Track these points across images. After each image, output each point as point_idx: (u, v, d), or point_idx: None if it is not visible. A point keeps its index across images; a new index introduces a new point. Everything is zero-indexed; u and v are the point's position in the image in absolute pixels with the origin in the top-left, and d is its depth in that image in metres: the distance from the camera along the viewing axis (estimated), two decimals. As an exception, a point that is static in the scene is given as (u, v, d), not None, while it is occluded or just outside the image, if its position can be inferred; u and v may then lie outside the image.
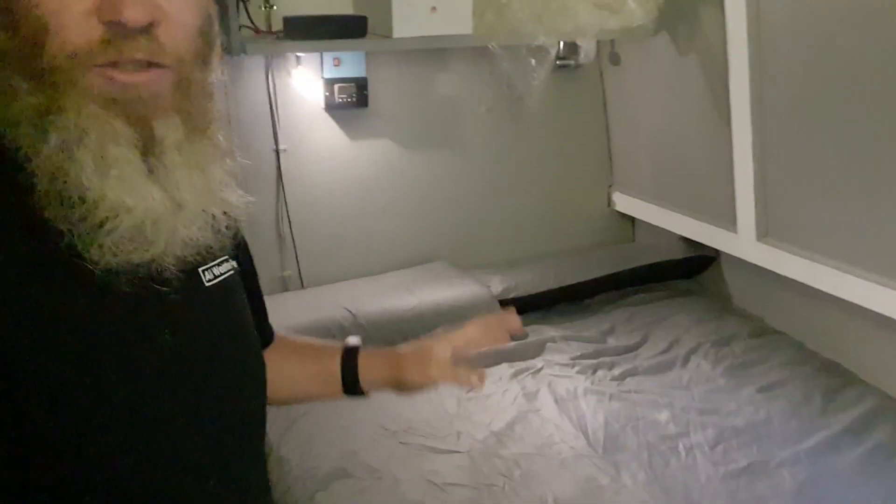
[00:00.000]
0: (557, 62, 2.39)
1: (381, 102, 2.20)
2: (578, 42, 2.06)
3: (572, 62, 2.35)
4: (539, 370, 1.80)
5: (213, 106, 0.63)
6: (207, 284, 0.65)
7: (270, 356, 0.80)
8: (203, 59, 0.60)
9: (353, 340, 0.93)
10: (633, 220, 2.66)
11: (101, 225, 0.55)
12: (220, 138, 0.63)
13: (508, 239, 2.43)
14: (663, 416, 1.60)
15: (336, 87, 2.10)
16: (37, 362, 0.53)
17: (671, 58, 2.13)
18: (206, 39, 0.61)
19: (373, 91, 2.16)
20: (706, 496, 1.36)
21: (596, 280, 2.15)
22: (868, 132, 1.58)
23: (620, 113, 2.52)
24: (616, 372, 1.78)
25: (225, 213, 0.63)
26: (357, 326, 1.87)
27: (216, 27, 0.63)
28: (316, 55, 2.07)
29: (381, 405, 1.66)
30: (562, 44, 2.34)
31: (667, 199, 2.35)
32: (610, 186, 2.64)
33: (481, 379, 0.94)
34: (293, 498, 1.45)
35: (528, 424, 1.60)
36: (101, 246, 0.55)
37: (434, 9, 1.86)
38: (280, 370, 0.84)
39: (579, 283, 2.13)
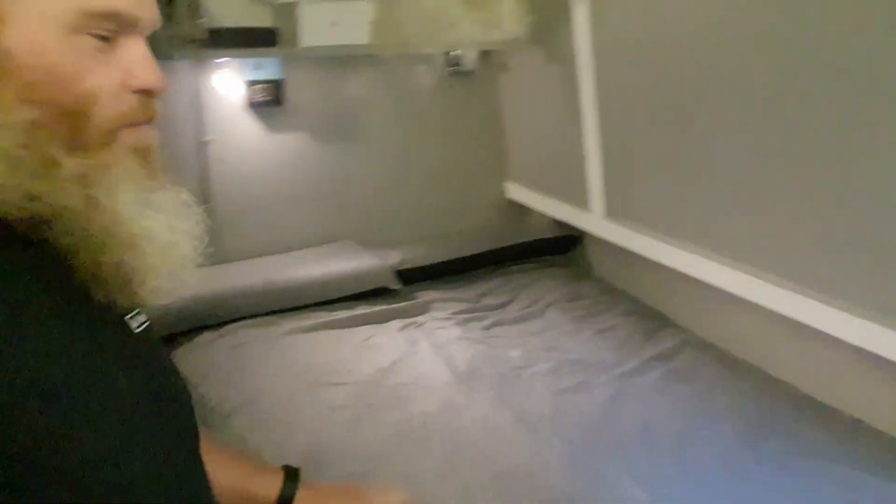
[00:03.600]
0: (452, 69, 2.79)
1: (296, 101, 2.55)
2: (462, 52, 2.45)
3: (463, 69, 2.75)
4: (423, 324, 2.17)
5: None
6: (137, 331, 0.67)
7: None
8: None
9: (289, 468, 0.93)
10: (524, 207, 3.06)
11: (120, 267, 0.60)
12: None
13: (412, 224, 2.76)
14: (515, 353, 1.99)
15: (256, 87, 2.45)
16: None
17: (542, 65, 2.54)
18: None
19: (288, 91, 2.51)
20: (536, 406, 1.74)
21: (479, 254, 2.54)
22: (689, 125, 1.92)
23: (511, 113, 2.91)
24: (485, 323, 2.17)
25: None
26: (271, 291, 2.21)
27: None
28: (238, 59, 2.41)
29: (287, 353, 2.01)
30: (454, 54, 2.73)
31: (544, 187, 2.76)
32: (504, 177, 3.04)
33: None
34: (210, 424, 1.78)
35: (407, 363, 1.96)
36: (111, 289, 0.61)
37: (335, 23, 2.23)
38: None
39: (464, 257, 2.51)
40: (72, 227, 0.58)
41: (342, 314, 2.22)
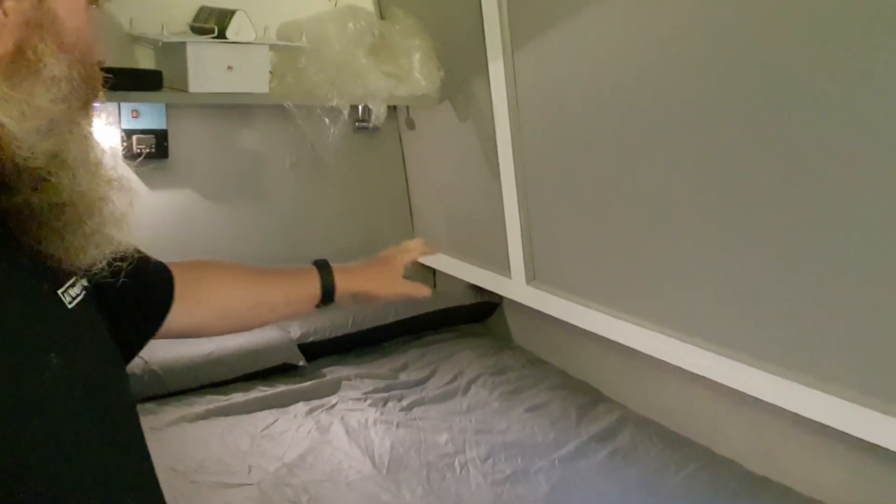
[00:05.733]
0: (357, 124, 2.60)
1: (183, 154, 2.26)
2: (370, 106, 2.27)
3: (369, 125, 2.57)
4: (333, 405, 1.90)
5: None
6: (70, 307, 0.64)
7: (232, 283, 0.96)
8: None
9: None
10: (433, 271, 2.88)
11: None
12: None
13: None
14: (443, 438, 1.77)
15: (135, 137, 2.13)
16: None
17: (454, 123, 2.41)
18: None
19: (173, 143, 2.21)
20: (474, 500, 1.52)
21: (392, 324, 2.31)
22: (615, 184, 1.85)
23: (417, 172, 2.76)
24: (405, 403, 1.93)
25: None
26: (150, 374, 1.86)
27: None
28: (114, 106, 2.10)
29: (171, 448, 1.67)
30: (361, 107, 2.55)
31: (457, 250, 2.60)
32: (411, 239, 2.85)
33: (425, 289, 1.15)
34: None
35: (319, 454, 1.68)
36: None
37: (230, 67, 1.98)
38: (255, 298, 0.97)
39: (376, 327, 2.27)
40: (68, 185, 0.58)
41: (237, 398, 1.90)
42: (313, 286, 1.02)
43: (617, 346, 1.98)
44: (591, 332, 2.06)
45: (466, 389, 2.02)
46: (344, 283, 1.04)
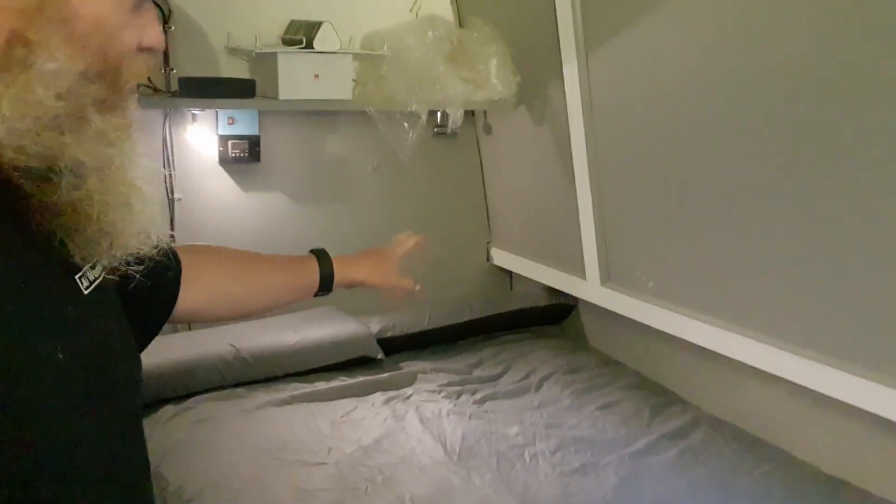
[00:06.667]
0: (436, 129, 2.69)
1: (273, 158, 2.41)
2: (448, 111, 2.35)
3: (447, 130, 2.65)
4: (409, 396, 1.98)
5: None
6: (86, 293, 0.62)
7: (227, 268, 0.97)
8: None
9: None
10: (510, 273, 2.92)
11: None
12: None
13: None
14: (513, 430, 1.81)
15: (230, 142, 2.30)
16: None
17: (529, 127, 2.46)
18: None
19: (265, 148, 2.37)
20: (542, 489, 1.55)
21: (466, 323, 2.37)
22: (690, 185, 1.84)
23: (494, 175, 2.82)
24: (478, 396, 1.99)
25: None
26: (241, 361, 2.00)
27: None
28: (211, 114, 2.27)
29: (259, 429, 1.79)
30: (439, 113, 2.64)
31: (533, 253, 2.63)
32: (489, 242, 2.91)
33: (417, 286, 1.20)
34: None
35: (394, 440, 1.76)
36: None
37: (317, 76, 2.11)
38: (255, 284, 1.00)
39: (450, 325, 2.34)
40: (81, 184, 0.57)
41: (320, 386, 2.01)
42: (312, 274, 1.05)
43: (692, 347, 1.97)
44: (666, 333, 2.04)
45: (539, 386, 2.05)
46: (342, 273, 1.07)
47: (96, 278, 0.64)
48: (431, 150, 2.68)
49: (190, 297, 0.91)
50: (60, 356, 0.57)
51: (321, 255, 1.07)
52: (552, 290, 2.57)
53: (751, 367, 1.81)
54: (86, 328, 0.63)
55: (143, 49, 0.62)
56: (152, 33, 0.63)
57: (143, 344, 0.81)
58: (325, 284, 1.07)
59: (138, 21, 0.61)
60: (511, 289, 2.93)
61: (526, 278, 2.71)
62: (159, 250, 0.70)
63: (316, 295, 1.08)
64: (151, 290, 0.76)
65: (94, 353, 0.63)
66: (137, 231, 0.62)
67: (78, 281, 0.62)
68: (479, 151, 2.83)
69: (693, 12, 1.67)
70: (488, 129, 2.74)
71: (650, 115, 1.92)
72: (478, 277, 2.87)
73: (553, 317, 2.58)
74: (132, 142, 0.60)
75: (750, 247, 1.72)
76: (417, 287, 1.21)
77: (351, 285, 1.11)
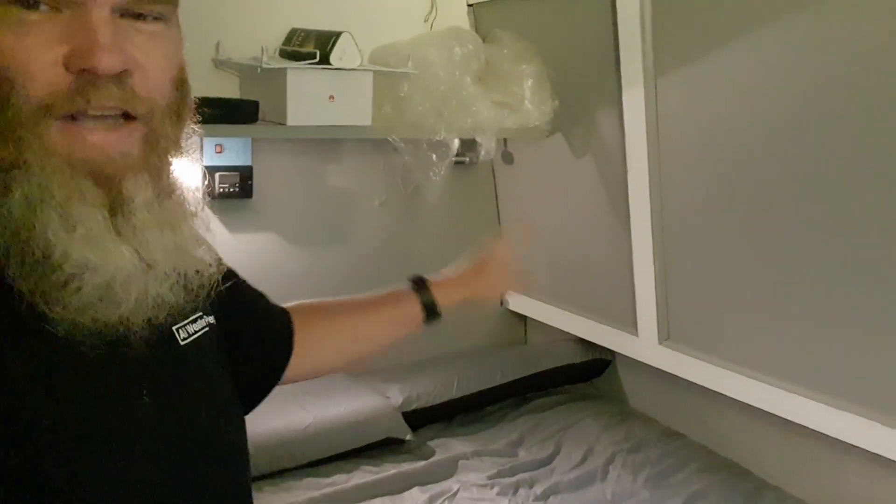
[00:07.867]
0: (455, 159, 2.34)
1: (268, 193, 2.01)
2: (478, 139, 2.01)
3: (467, 159, 2.31)
4: (455, 493, 1.62)
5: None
6: (182, 344, 0.63)
7: (327, 326, 0.91)
8: (176, 113, 0.58)
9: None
10: (525, 318, 2.60)
11: (66, 284, 0.51)
12: (188, 195, 0.62)
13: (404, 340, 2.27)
14: (594, 540, 1.47)
15: (218, 175, 1.89)
16: (5, 436, 0.49)
17: (565, 158, 2.14)
18: (180, 92, 0.59)
19: (258, 181, 1.97)
20: None
21: (499, 387, 2.03)
22: (768, 237, 1.63)
23: (512, 210, 2.49)
24: (538, 490, 1.64)
25: (198, 271, 0.60)
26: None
27: (188, 79, 0.60)
28: (195, 141, 1.86)
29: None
30: (457, 141, 2.29)
31: (562, 300, 2.31)
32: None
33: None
34: None
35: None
36: (65, 307, 0.51)
37: (332, 97, 1.74)
38: (358, 334, 0.95)
39: (481, 391, 1.99)
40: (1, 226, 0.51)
41: (339, 480, 1.62)
42: (412, 307, 0.98)
43: (774, 419, 1.70)
44: (739, 402, 1.77)
45: (605, 473, 1.72)
46: (445, 296, 1.00)
47: (197, 331, 0.65)
48: (449, 182, 2.33)
49: (301, 358, 0.87)
50: (146, 400, 0.57)
51: (418, 284, 1.00)
52: (580, 342, 2.26)
53: (855, 446, 1.55)
54: (181, 377, 0.63)
55: (77, 70, 0.53)
56: (81, 45, 0.52)
57: (250, 407, 0.78)
58: (431, 313, 0.99)
59: (55, 31, 0.53)
60: (525, 335, 2.61)
61: (543, 325, 2.40)
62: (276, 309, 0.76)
63: (427, 324, 1.00)
64: (259, 344, 0.79)
65: (189, 402, 0.62)
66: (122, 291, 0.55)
67: (175, 332, 0.63)
68: (495, 182, 2.50)
69: (789, 37, 1.42)
70: (508, 158, 2.41)
71: (729, 154, 1.66)
72: (489, 325, 2.54)
73: (587, 374, 2.26)
74: (45, 189, 0.53)
75: (844, 308, 1.49)
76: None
77: (462, 304, 1.03)
